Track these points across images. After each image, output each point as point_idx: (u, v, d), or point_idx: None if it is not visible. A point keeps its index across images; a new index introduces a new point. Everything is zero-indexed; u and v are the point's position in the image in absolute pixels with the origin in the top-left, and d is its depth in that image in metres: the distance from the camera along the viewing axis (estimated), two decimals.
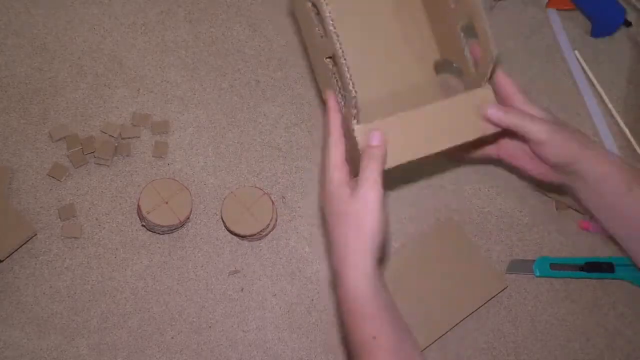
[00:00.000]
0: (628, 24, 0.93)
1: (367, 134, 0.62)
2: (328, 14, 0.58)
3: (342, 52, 0.58)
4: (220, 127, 0.84)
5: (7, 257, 0.76)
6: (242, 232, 0.76)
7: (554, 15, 0.95)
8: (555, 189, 0.81)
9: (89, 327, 0.75)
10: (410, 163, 0.63)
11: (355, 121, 0.62)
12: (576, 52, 0.92)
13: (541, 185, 0.83)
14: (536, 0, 0.96)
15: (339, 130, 0.64)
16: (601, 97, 0.90)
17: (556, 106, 0.89)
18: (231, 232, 0.78)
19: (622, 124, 0.88)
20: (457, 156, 0.79)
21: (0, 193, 0.78)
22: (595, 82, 0.91)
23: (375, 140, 0.62)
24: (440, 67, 0.72)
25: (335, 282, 0.63)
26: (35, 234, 0.77)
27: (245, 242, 0.79)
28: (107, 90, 0.85)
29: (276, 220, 0.80)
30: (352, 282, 0.60)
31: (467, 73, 0.68)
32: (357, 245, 0.60)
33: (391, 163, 0.62)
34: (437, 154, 0.64)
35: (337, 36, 0.58)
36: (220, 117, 0.85)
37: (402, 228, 0.81)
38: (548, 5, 0.94)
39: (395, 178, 0.83)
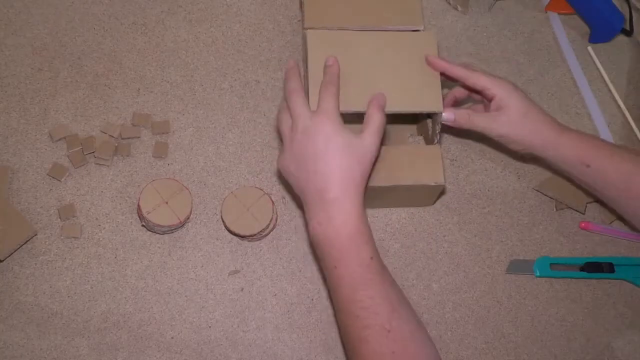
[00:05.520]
0: (628, 33, 0.92)
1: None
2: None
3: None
4: (220, 127, 0.84)
5: (7, 257, 0.76)
6: (242, 232, 0.76)
7: (553, 16, 0.95)
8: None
9: (89, 327, 0.75)
10: None
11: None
12: (589, 48, 0.92)
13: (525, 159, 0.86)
14: (536, 1, 0.96)
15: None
16: (611, 93, 0.91)
17: (556, 106, 0.89)
18: (231, 232, 0.78)
19: (632, 123, 0.89)
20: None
21: (0, 193, 0.78)
22: (605, 77, 0.91)
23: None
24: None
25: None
26: (35, 234, 0.77)
27: (245, 242, 0.79)
28: (107, 90, 0.85)
29: (276, 220, 0.80)
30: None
31: (426, 136, 0.83)
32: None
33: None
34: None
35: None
36: (220, 117, 0.85)
37: (401, 229, 0.82)
38: (547, 8, 0.94)
39: None
